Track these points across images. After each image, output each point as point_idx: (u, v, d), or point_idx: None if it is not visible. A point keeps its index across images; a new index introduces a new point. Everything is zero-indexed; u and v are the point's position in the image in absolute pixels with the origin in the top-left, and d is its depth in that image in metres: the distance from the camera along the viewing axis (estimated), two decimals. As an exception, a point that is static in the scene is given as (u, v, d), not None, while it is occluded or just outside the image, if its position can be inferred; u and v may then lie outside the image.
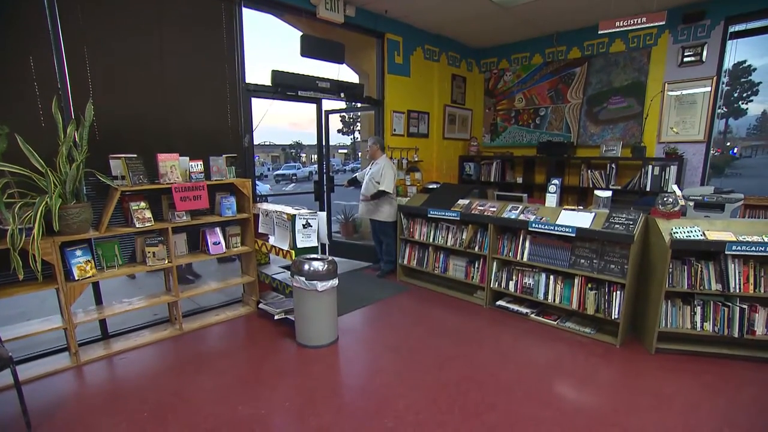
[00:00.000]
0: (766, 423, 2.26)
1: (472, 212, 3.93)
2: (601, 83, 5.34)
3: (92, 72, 2.91)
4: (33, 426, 2.19)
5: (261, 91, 4.00)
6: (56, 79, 2.77)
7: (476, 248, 3.94)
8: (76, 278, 2.78)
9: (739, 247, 2.76)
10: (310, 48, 4.26)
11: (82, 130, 2.69)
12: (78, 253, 2.82)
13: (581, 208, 3.54)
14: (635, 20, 3.61)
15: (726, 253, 2.80)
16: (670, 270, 2.90)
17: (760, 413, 2.35)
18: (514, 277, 3.73)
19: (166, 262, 3.19)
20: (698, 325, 2.97)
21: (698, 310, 2.96)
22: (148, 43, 3.16)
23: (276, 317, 3.42)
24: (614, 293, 3.14)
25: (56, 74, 2.77)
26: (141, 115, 3.19)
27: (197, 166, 3.26)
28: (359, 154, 6.48)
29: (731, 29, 4.40)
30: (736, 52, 4.52)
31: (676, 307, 3.00)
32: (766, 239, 2.77)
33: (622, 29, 3.75)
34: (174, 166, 3.13)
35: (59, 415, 2.33)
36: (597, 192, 3.52)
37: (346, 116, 33.00)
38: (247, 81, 3.79)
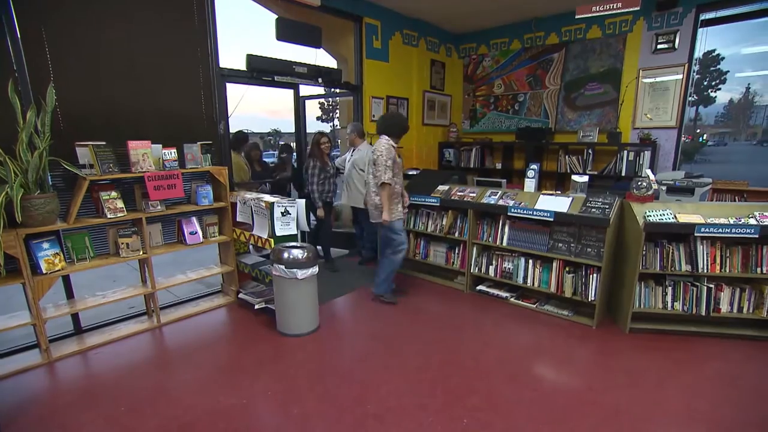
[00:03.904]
0: (729, 394, 2.38)
1: (452, 198, 3.95)
2: (579, 69, 5.40)
3: (52, 54, 2.75)
4: (2, 426, 2.11)
5: (236, 76, 3.87)
6: (11, 61, 2.60)
7: (456, 234, 3.97)
8: (44, 272, 2.65)
9: (707, 229, 2.86)
10: (285, 31, 4.14)
11: (43, 115, 2.54)
12: (45, 245, 2.69)
13: (559, 192, 3.60)
14: (611, 5, 3.65)
15: (695, 234, 2.90)
16: (644, 252, 2.99)
17: (723, 385, 2.47)
18: (493, 262, 3.78)
19: (141, 253, 3.10)
20: (669, 304, 3.09)
21: (669, 290, 3.07)
22: (113, 25, 2.99)
23: (256, 306, 3.38)
24: (591, 276, 3.22)
25: (11, 55, 2.59)
26: (108, 100, 3.04)
27: (171, 153, 3.15)
28: (338, 141, 6.38)
29: (702, 17, 4.50)
30: (706, 40, 4.64)
31: (649, 288, 3.10)
32: (731, 221, 2.88)
33: (598, 14, 3.80)
34: (146, 154, 3.01)
35: (31, 412, 2.25)
36: (574, 177, 3.58)
37: (326, 103, 32.54)
38: (221, 65, 3.65)
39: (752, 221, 2.86)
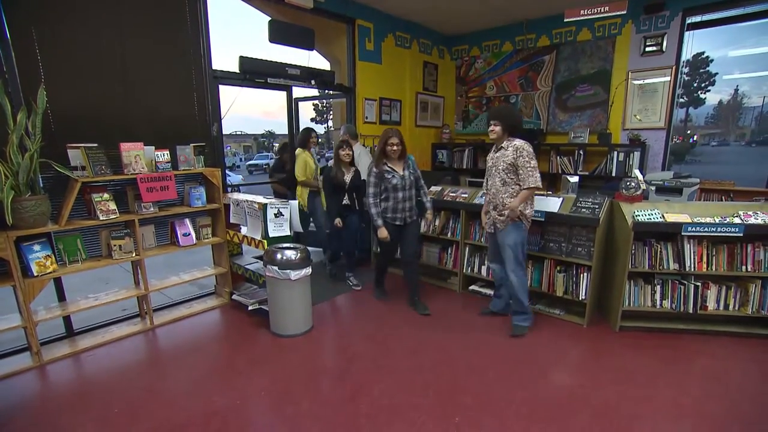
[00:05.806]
0: (715, 389, 2.43)
1: (445, 199, 3.98)
2: (569, 71, 5.46)
3: (43, 55, 2.74)
4: (-7, 428, 2.10)
5: (229, 78, 3.88)
6: (1, 62, 2.59)
7: (449, 234, 4.00)
8: (35, 274, 2.64)
9: (693, 228, 2.92)
10: (278, 34, 4.15)
11: (34, 117, 2.53)
12: (36, 248, 2.68)
13: (550, 193, 3.65)
14: (599, 9, 3.71)
15: (682, 234, 2.95)
16: (633, 251, 3.04)
17: (709, 381, 2.52)
18: (486, 262, 3.81)
19: (134, 255, 3.09)
20: (658, 302, 3.14)
21: (658, 288, 3.12)
22: (105, 26, 2.99)
23: (250, 308, 3.38)
24: (581, 275, 3.26)
25: (0, 56, 2.58)
26: (100, 102, 3.03)
27: (163, 155, 3.15)
28: (332, 142, 6.39)
29: (688, 20, 4.58)
30: (694, 43, 4.73)
31: (638, 286, 3.15)
32: (717, 220, 2.94)
33: (586, 17, 3.85)
34: (138, 156, 3.01)
35: (22, 416, 2.24)
36: (565, 177, 3.62)
37: (319, 104, 32.55)
38: (214, 67, 3.66)
39: (737, 220, 2.92)
